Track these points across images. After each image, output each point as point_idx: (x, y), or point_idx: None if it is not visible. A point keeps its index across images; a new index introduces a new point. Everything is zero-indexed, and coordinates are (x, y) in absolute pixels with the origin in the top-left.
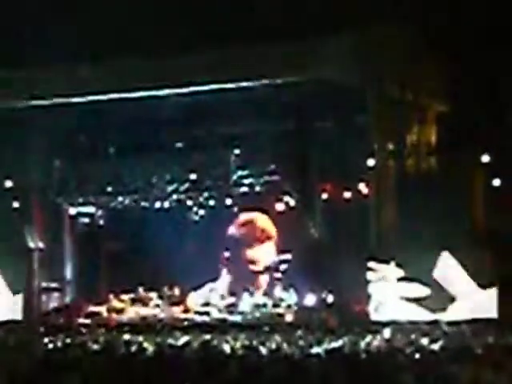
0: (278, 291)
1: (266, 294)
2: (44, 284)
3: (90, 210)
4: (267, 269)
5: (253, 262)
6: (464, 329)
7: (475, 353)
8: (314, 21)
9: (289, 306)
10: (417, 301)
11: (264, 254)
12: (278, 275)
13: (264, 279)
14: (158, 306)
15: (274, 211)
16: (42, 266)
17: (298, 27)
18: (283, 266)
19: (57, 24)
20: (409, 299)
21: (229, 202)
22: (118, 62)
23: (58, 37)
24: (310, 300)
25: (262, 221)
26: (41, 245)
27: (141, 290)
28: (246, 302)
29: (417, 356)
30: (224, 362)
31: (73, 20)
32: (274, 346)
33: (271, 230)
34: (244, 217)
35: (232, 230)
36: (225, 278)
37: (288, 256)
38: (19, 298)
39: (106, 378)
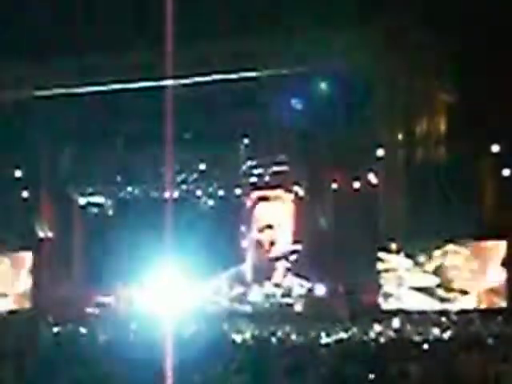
0: (288, 281)
1: (276, 284)
2: (53, 273)
3: (100, 199)
4: (280, 255)
5: (268, 246)
6: (473, 318)
7: (484, 342)
8: (322, 11)
9: (299, 296)
10: (426, 290)
11: (278, 238)
12: (288, 265)
13: (277, 265)
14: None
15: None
16: (51, 255)
17: (307, 17)
18: (293, 257)
19: (67, 12)
20: (418, 289)
21: (238, 192)
22: (127, 50)
23: (68, 25)
24: (320, 290)
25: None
26: (50, 234)
27: (149, 279)
28: (255, 292)
29: (426, 345)
30: (234, 352)
31: (84, 8)
32: (283, 335)
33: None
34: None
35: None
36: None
37: (298, 246)
38: (29, 287)
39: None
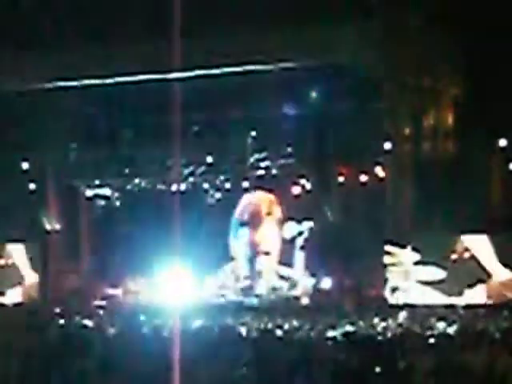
0: (295, 273)
1: (281, 276)
2: (60, 266)
3: (107, 192)
4: (274, 248)
5: (259, 243)
6: (480, 313)
7: (491, 337)
8: (331, 5)
9: (305, 290)
10: (433, 284)
11: (269, 234)
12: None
13: (273, 260)
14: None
15: (290, 194)
16: (58, 247)
17: (314, 12)
18: (300, 248)
19: (77, 6)
20: (425, 283)
21: (245, 184)
22: (135, 45)
23: (75, 19)
24: (326, 283)
25: (264, 200)
26: (57, 227)
27: (156, 272)
28: (261, 285)
29: (433, 340)
30: (240, 345)
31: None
32: (289, 329)
33: (273, 208)
34: (246, 198)
35: (236, 212)
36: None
37: (309, 224)
38: (36, 279)
39: (121, 359)
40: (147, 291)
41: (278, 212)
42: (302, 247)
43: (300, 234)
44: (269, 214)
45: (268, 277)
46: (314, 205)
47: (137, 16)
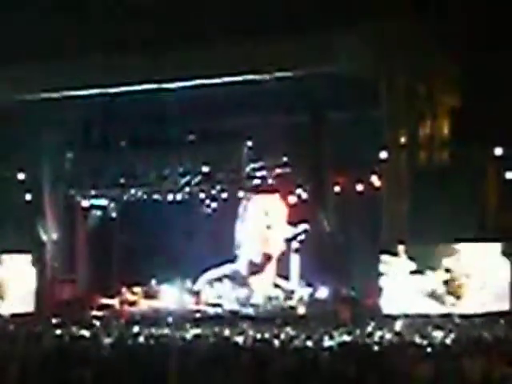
0: (291, 284)
1: (277, 286)
2: (56, 276)
3: (103, 202)
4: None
5: (263, 244)
6: (476, 322)
7: (487, 346)
8: (327, 13)
9: (301, 299)
10: (429, 294)
11: (273, 235)
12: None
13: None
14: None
15: (286, 203)
16: (54, 258)
17: (310, 20)
18: (295, 258)
19: (68, 17)
20: (421, 292)
21: (241, 194)
22: (130, 54)
23: (69, 30)
24: (323, 293)
25: (270, 202)
26: (53, 237)
27: (153, 282)
28: (258, 295)
29: (429, 349)
30: (236, 354)
31: (87, 12)
32: (286, 338)
33: (279, 211)
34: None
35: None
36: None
37: (305, 226)
38: (32, 290)
39: (118, 370)
40: (144, 301)
41: (280, 213)
42: (297, 251)
43: (294, 238)
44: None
45: (265, 286)
46: (310, 214)
47: (136, 26)
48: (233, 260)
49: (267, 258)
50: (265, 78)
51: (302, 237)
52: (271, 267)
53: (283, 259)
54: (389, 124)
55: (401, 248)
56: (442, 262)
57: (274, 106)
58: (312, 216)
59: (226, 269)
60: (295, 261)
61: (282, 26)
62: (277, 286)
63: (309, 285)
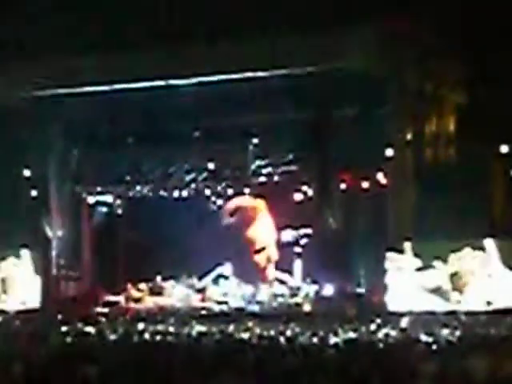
0: (296, 281)
1: (282, 282)
2: (62, 273)
3: (109, 199)
4: (265, 248)
5: (251, 243)
6: (482, 319)
7: (493, 343)
8: (336, 10)
9: (306, 296)
10: (434, 291)
11: (260, 234)
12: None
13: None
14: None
15: (293, 201)
16: (60, 254)
17: (319, 17)
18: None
19: (80, 12)
20: (426, 289)
21: (247, 191)
22: (138, 51)
23: (72, 27)
24: (328, 290)
25: (249, 202)
26: (59, 233)
27: (158, 279)
28: (263, 292)
29: (434, 346)
30: (242, 352)
31: (97, 8)
32: (291, 335)
33: (259, 209)
34: (231, 203)
35: (224, 217)
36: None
37: (307, 230)
38: (37, 286)
39: (124, 367)
40: (149, 298)
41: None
42: (303, 247)
43: (299, 239)
44: (253, 213)
45: (270, 283)
46: (316, 211)
47: (140, 23)
48: (237, 257)
49: (268, 256)
50: (270, 75)
51: (309, 232)
52: (273, 264)
53: (287, 256)
54: (395, 122)
55: (407, 245)
56: (447, 259)
57: (280, 104)
58: (318, 213)
59: (228, 267)
60: (298, 257)
61: (289, 23)
62: (281, 282)
63: (314, 282)
